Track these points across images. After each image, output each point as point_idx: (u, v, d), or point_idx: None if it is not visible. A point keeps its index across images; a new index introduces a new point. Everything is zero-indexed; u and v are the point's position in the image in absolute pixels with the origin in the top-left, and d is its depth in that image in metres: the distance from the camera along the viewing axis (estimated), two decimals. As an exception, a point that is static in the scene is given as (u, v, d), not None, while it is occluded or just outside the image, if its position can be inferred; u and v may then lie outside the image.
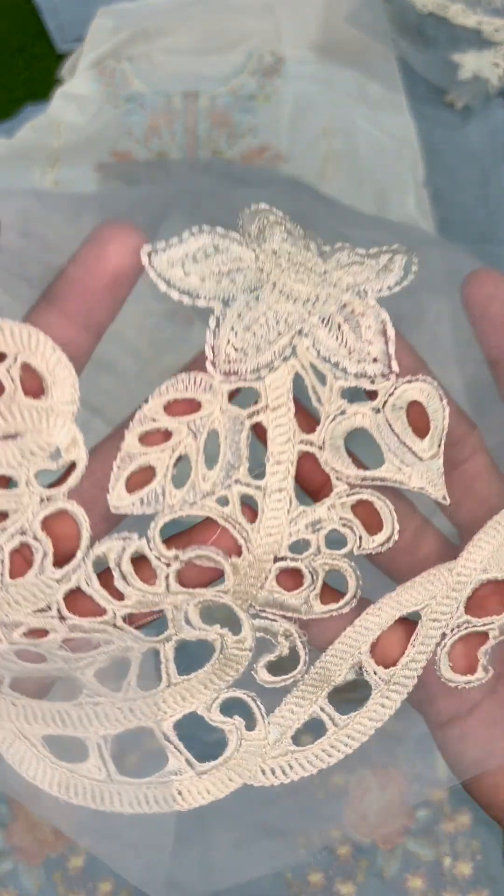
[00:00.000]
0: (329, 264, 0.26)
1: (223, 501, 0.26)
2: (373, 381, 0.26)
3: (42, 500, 0.25)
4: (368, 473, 0.27)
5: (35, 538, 0.25)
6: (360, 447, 0.28)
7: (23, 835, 0.55)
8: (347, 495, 0.27)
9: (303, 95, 0.87)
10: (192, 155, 0.83)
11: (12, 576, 0.25)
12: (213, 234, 0.25)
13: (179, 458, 0.26)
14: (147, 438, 0.26)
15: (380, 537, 0.27)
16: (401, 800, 0.55)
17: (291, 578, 0.27)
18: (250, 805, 0.55)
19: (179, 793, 0.26)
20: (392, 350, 0.26)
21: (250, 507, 0.27)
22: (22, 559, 0.26)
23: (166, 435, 0.26)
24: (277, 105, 0.86)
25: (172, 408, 0.26)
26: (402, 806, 0.56)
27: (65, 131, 0.86)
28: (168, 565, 0.26)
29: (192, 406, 0.26)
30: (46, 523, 0.25)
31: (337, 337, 0.26)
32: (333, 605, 0.27)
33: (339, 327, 0.26)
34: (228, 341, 0.25)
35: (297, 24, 0.93)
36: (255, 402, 0.26)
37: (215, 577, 0.27)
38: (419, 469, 0.26)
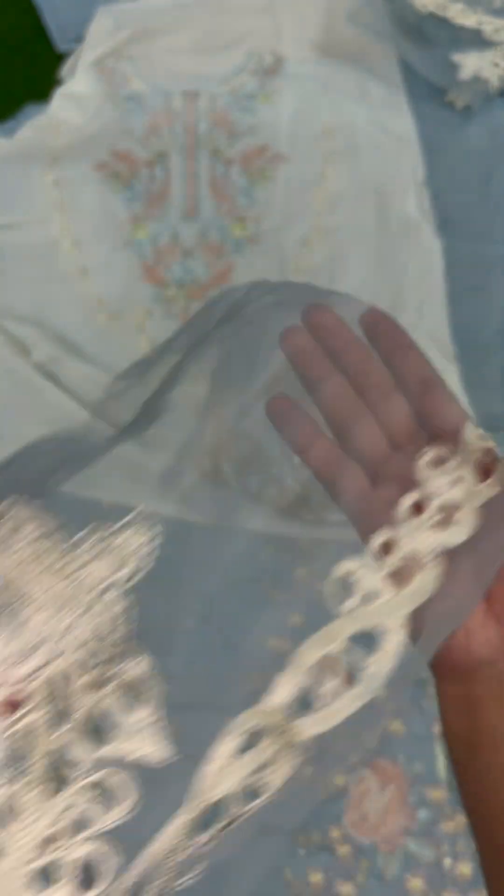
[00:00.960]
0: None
1: None
2: None
3: None
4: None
5: None
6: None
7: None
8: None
9: (303, 95, 0.86)
10: (192, 154, 0.83)
11: None
12: None
13: None
14: None
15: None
16: (401, 800, 0.56)
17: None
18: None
19: None
20: None
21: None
22: None
23: None
24: (277, 104, 0.86)
25: None
26: (403, 806, 0.57)
27: (65, 131, 0.86)
28: None
29: None
30: None
31: None
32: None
33: None
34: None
35: (297, 23, 0.93)
36: None
37: None
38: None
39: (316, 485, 0.36)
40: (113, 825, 0.29)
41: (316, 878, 0.54)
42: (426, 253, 0.73)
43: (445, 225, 0.75)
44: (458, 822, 0.55)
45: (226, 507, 0.64)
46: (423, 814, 0.55)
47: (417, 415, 0.34)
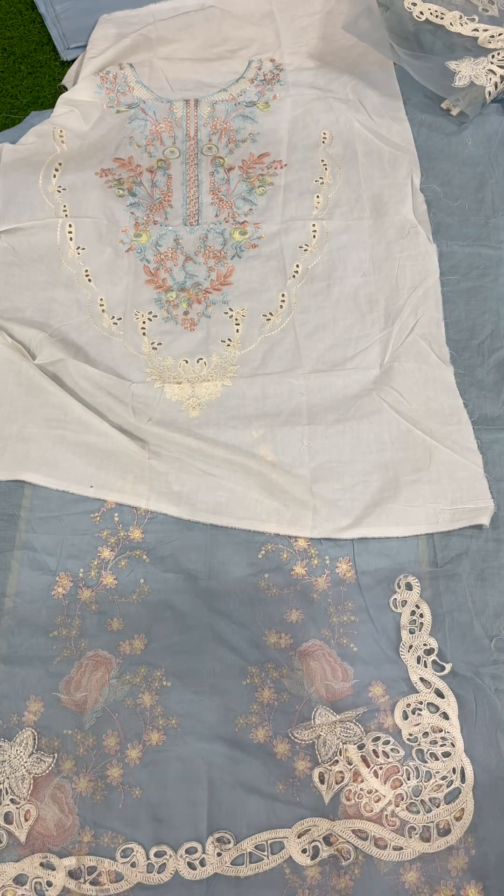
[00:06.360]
0: None
1: None
2: None
3: None
4: None
5: None
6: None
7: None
8: None
9: (302, 102, 0.88)
10: (193, 161, 0.85)
11: None
12: None
13: None
14: None
15: None
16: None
17: None
18: (248, 793, 0.55)
19: None
20: None
21: None
22: None
23: None
24: (277, 111, 0.87)
25: None
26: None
27: (68, 137, 0.87)
28: None
29: None
30: None
31: None
32: None
33: None
34: None
35: (296, 31, 0.94)
36: None
37: None
38: None
39: None
40: None
41: (313, 872, 0.54)
42: (422, 257, 0.74)
43: (440, 229, 0.76)
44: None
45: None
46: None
47: None
